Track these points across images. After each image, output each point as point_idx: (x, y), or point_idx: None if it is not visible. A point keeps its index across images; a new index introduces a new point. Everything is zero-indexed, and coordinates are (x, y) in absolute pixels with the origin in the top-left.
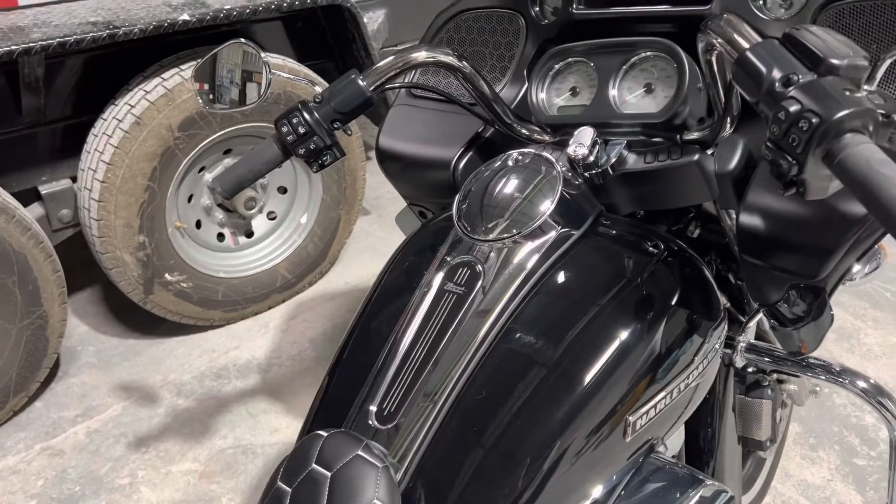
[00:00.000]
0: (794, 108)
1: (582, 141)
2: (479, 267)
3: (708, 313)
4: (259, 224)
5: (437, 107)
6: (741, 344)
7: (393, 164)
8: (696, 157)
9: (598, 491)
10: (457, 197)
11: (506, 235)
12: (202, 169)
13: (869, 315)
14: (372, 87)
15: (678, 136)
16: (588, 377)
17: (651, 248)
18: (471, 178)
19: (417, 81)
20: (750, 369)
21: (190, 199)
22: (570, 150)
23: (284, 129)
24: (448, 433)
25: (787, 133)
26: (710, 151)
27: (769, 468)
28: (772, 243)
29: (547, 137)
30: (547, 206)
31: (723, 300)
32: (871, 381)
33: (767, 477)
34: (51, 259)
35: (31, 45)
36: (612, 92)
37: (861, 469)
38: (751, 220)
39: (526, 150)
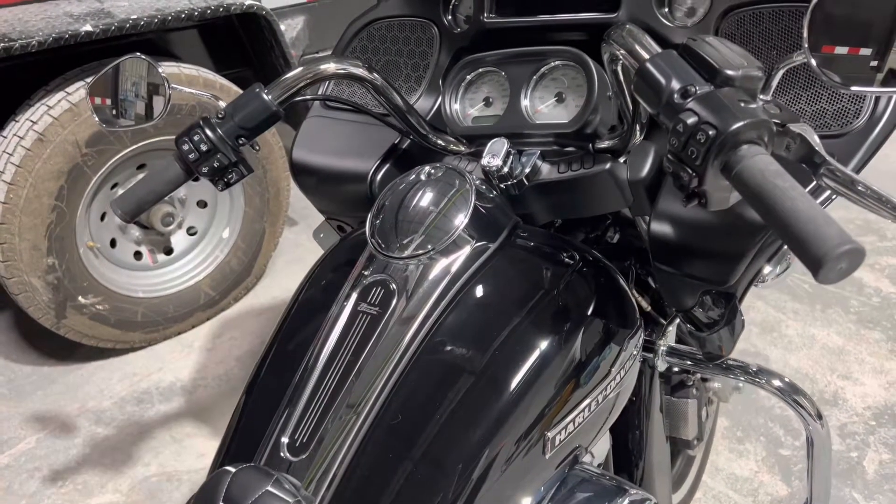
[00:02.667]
0: (691, 120)
1: (494, 152)
2: (394, 286)
3: (623, 322)
4: (178, 240)
5: (353, 118)
6: (662, 348)
7: (307, 177)
8: (608, 165)
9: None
10: (370, 213)
11: (420, 252)
12: (115, 185)
13: (789, 307)
14: (278, 101)
15: (590, 145)
16: (504, 397)
17: (566, 260)
18: (384, 192)
19: (331, 93)
20: (675, 369)
21: (103, 218)
22: (484, 161)
23: (186, 148)
24: (364, 460)
25: (685, 145)
26: (622, 159)
27: (698, 465)
28: (682, 251)
29: (463, 148)
30: (461, 220)
31: (644, 304)
32: (786, 379)
33: (697, 473)
34: None
35: None
36: (525, 102)
37: (786, 459)
38: (661, 228)
39: (439, 163)
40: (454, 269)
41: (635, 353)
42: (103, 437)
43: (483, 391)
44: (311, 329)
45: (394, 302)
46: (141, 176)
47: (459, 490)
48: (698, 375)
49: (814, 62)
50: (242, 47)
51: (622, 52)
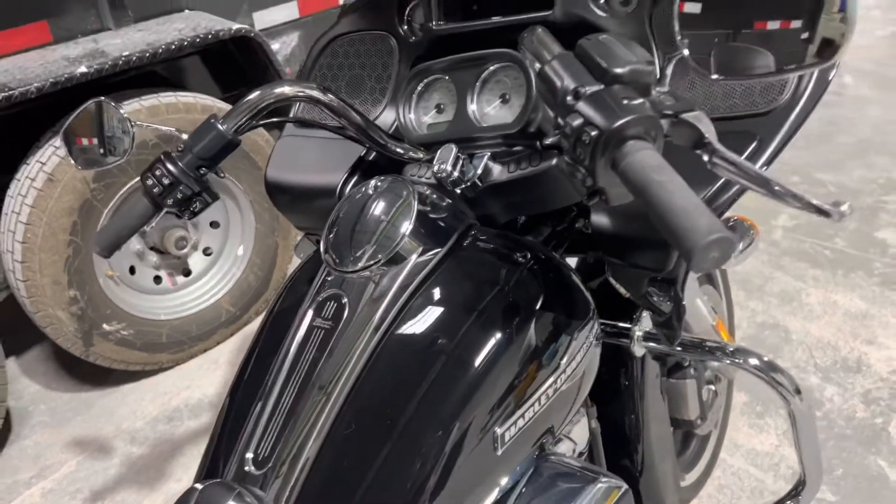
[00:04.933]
0: (576, 122)
1: (443, 159)
2: (345, 299)
3: (572, 315)
4: (196, 262)
5: (324, 134)
6: (637, 334)
7: (281, 196)
8: (555, 161)
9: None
10: (325, 229)
11: (370, 263)
12: None
13: (809, 275)
14: (234, 129)
15: (537, 143)
16: (452, 399)
17: (516, 258)
18: (337, 208)
19: (303, 113)
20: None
21: (119, 247)
22: (435, 168)
23: (150, 182)
24: (322, 469)
25: (574, 146)
26: None
27: (714, 444)
28: (621, 241)
29: (421, 156)
30: (405, 229)
31: (623, 291)
32: (765, 358)
33: (713, 453)
34: None
35: None
36: (472, 107)
37: None
38: (600, 220)
39: (385, 175)
40: (402, 278)
41: (588, 343)
42: (138, 456)
43: (432, 396)
44: (276, 347)
45: (345, 315)
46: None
47: (415, 494)
48: None
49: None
50: (242, 68)
51: (530, 56)
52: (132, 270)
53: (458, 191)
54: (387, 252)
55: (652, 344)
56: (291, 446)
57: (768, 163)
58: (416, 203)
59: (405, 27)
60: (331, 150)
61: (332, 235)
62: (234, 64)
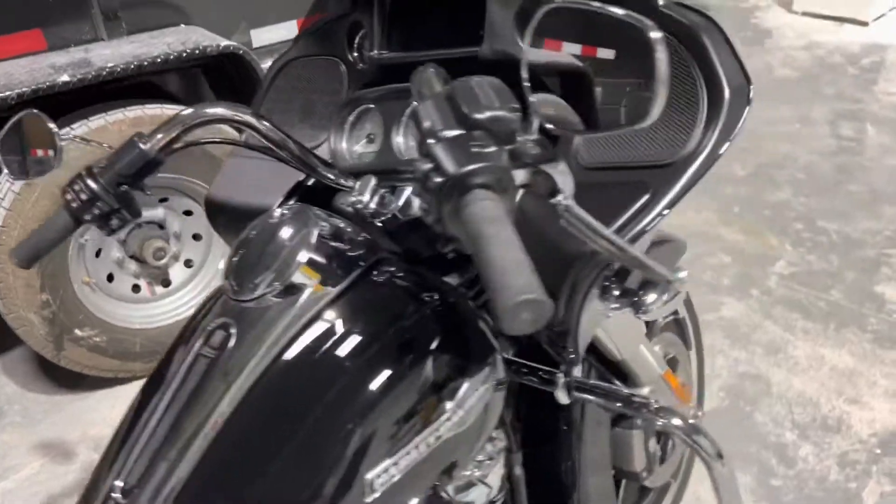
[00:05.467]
0: (425, 166)
1: (362, 190)
2: (233, 329)
3: (468, 361)
4: (176, 273)
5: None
6: (561, 380)
7: (219, 216)
8: None
9: None
10: (228, 255)
11: (266, 291)
12: None
13: (799, 326)
14: (158, 149)
15: None
16: (324, 439)
17: (421, 297)
18: (243, 234)
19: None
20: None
21: (98, 254)
22: (352, 199)
23: (69, 197)
24: (189, 501)
25: (424, 190)
26: None
27: (673, 498)
28: None
29: (351, 184)
30: (302, 258)
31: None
32: (690, 421)
33: None
34: None
35: None
36: (397, 139)
37: (777, 490)
38: None
39: (292, 204)
40: (294, 309)
41: (485, 389)
42: None
43: (303, 435)
44: (167, 375)
45: (230, 345)
46: None
47: None
48: None
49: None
50: (235, 84)
51: (414, 94)
52: (110, 278)
53: (379, 223)
54: (282, 281)
55: (579, 393)
56: (158, 476)
57: (659, 215)
58: (315, 233)
59: (355, 54)
60: (275, 174)
61: (234, 261)
62: (229, 79)
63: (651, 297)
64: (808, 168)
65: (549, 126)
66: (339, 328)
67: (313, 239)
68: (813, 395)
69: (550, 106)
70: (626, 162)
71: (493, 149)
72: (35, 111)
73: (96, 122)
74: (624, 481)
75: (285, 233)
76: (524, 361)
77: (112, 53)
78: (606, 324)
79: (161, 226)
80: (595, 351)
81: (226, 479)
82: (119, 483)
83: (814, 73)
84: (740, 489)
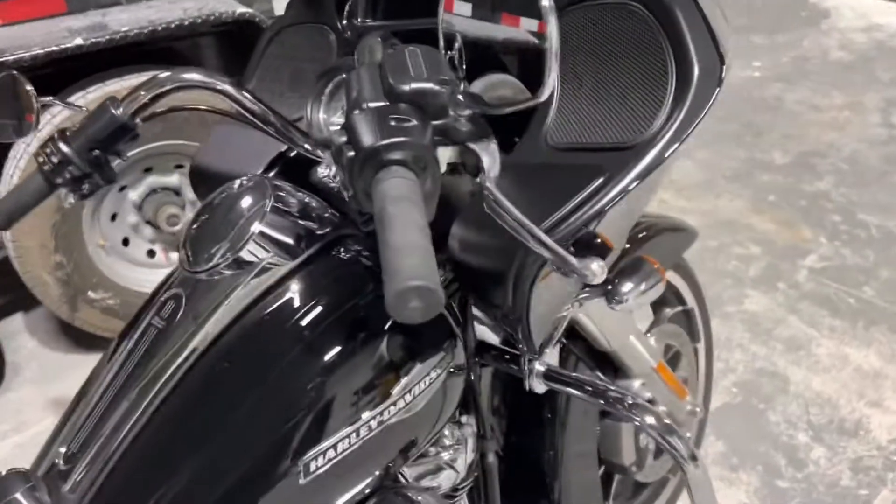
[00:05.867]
0: (341, 139)
1: (329, 163)
2: (184, 299)
3: (421, 345)
4: None
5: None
6: (538, 369)
7: (201, 184)
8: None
9: None
10: (187, 225)
11: (214, 263)
12: (123, 188)
13: (825, 324)
14: (130, 114)
15: None
16: (262, 417)
17: (379, 276)
18: (201, 205)
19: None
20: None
21: (114, 218)
22: (320, 172)
23: (41, 160)
24: (123, 469)
25: (337, 164)
26: None
27: (670, 494)
28: (467, 269)
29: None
30: (255, 228)
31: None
32: (664, 420)
33: (669, 501)
34: None
35: None
36: (319, 114)
37: (782, 492)
38: (451, 244)
39: (252, 175)
40: (242, 284)
41: (437, 375)
42: None
43: (243, 410)
44: (121, 344)
45: (178, 316)
46: (151, 178)
47: None
48: None
49: None
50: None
51: (356, 62)
52: (125, 242)
53: (348, 198)
54: (234, 253)
55: (552, 383)
56: (98, 445)
57: (611, 201)
58: (269, 204)
59: (345, 22)
60: (261, 143)
61: (191, 231)
62: (249, 48)
63: (627, 287)
64: (853, 158)
65: (476, 107)
66: (289, 304)
67: (267, 211)
68: (832, 395)
69: (500, 85)
70: (590, 143)
71: (414, 123)
72: (14, 73)
73: (111, 86)
74: (617, 475)
75: (243, 204)
76: (502, 347)
77: (128, 18)
78: (593, 312)
79: (177, 192)
80: (582, 339)
81: (161, 452)
82: (62, 449)
83: (870, 57)
84: (715, 492)
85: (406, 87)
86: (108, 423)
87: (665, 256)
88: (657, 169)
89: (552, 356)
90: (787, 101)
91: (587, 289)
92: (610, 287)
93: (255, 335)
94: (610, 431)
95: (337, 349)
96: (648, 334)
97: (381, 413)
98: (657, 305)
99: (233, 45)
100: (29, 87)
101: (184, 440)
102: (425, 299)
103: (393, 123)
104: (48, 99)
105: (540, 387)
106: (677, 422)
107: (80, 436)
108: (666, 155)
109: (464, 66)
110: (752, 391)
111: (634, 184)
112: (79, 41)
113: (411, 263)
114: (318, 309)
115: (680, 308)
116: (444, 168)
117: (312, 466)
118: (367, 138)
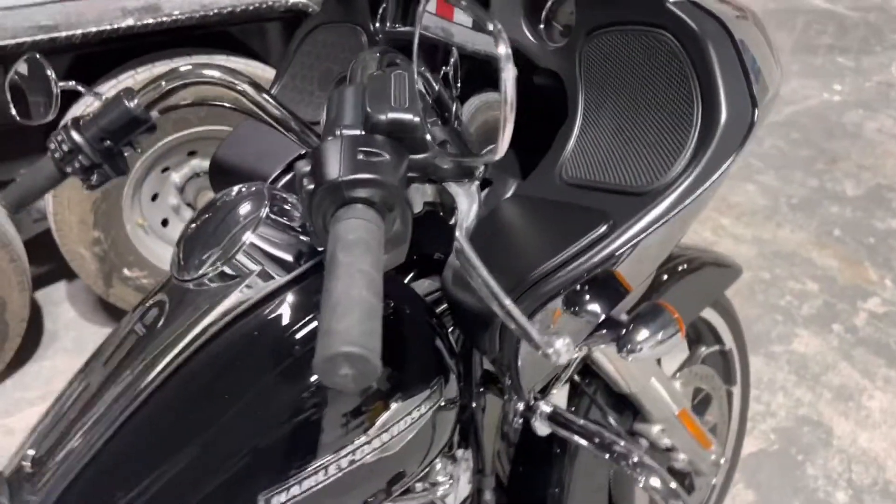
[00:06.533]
0: (304, 168)
1: None
2: (167, 307)
3: (405, 380)
4: None
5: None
6: (543, 409)
7: (219, 179)
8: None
9: None
10: (183, 228)
11: (203, 272)
12: (166, 169)
13: (881, 374)
14: (145, 106)
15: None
16: (223, 448)
17: None
18: (198, 210)
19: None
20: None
21: (154, 198)
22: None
23: (52, 146)
24: (88, 478)
25: (298, 193)
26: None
27: None
28: (459, 310)
29: None
30: (246, 238)
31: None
32: (671, 484)
33: None
34: (8, 248)
35: None
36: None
37: None
38: (445, 281)
39: (254, 182)
40: (226, 298)
41: (419, 414)
42: None
43: (209, 436)
44: (104, 347)
45: (159, 325)
46: (195, 161)
47: None
48: None
49: None
50: None
51: (349, 78)
52: (165, 223)
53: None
54: (224, 261)
55: (556, 426)
56: (65, 451)
57: (612, 255)
58: (264, 213)
59: (378, 24)
60: (283, 143)
61: (185, 236)
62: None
63: (642, 335)
64: None
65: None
66: (269, 325)
67: (261, 220)
68: (879, 454)
69: (497, 104)
70: (604, 183)
71: (385, 158)
72: (37, 55)
73: (158, 68)
74: None
75: (240, 211)
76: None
77: (182, 1)
78: (610, 351)
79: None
80: (600, 379)
81: (122, 467)
82: (31, 452)
83: None
84: None
85: (383, 117)
86: (78, 430)
87: (704, 293)
88: (673, 218)
89: (561, 396)
90: (866, 128)
91: (597, 333)
92: (623, 333)
93: (229, 355)
94: (619, 476)
95: (312, 379)
96: (677, 376)
97: (352, 452)
98: (692, 343)
99: (285, 33)
100: (49, 72)
101: (146, 457)
102: (358, 368)
103: (361, 157)
104: (69, 84)
105: (544, 429)
106: (697, 472)
107: (49, 440)
108: (679, 207)
109: (458, 84)
110: (791, 440)
111: (642, 236)
112: (130, 21)
113: (347, 325)
114: (300, 333)
115: (717, 347)
116: (419, 208)
117: (274, 502)
118: (330, 170)
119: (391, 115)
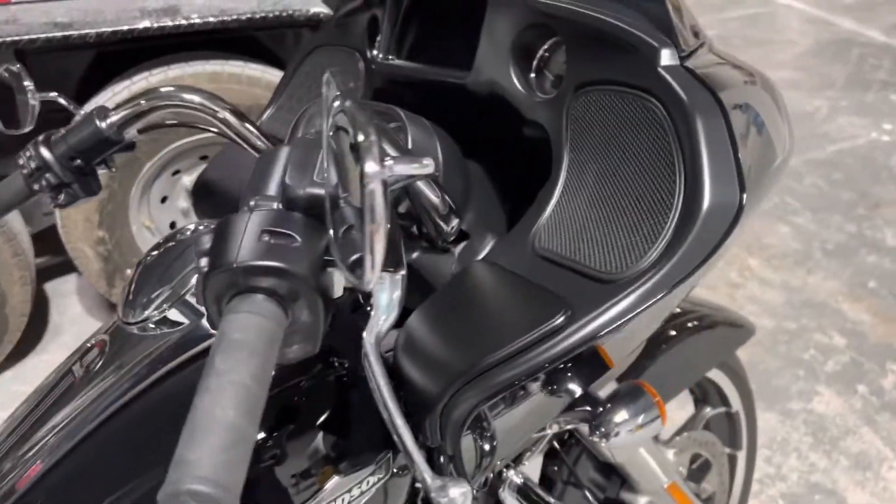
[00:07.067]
0: (203, 244)
1: None
2: (106, 349)
3: (358, 446)
4: None
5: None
6: (513, 480)
7: (202, 203)
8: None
9: None
10: (136, 264)
11: (147, 315)
12: (177, 172)
13: None
14: (116, 126)
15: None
16: None
17: (329, 360)
18: (156, 243)
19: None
20: None
21: (164, 201)
22: None
23: (21, 162)
24: None
25: (195, 269)
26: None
27: None
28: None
29: None
30: (193, 284)
31: None
32: None
33: None
34: (12, 242)
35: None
36: None
37: None
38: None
39: (209, 221)
40: (165, 347)
41: (368, 485)
42: None
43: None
44: (50, 379)
45: (96, 368)
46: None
47: None
48: None
49: None
50: None
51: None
52: (172, 226)
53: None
54: (171, 304)
55: (523, 500)
56: None
57: (570, 350)
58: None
59: (375, 52)
60: None
61: (136, 276)
62: None
63: (620, 416)
64: None
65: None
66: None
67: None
68: None
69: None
70: (574, 262)
71: (296, 244)
72: (15, 65)
73: (174, 71)
74: None
75: (193, 251)
76: None
77: (202, 4)
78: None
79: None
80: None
81: None
82: None
83: None
84: None
85: (301, 192)
86: (10, 463)
87: (713, 352)
88: (643, 313)
89: (534, 467)
90: None
91: (571, 410)
92: (600, 412)
93: (162, 410)
94: None
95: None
96: (675, 441)
97: None
98: (697, 403)
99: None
100: (27, 82)
101: None
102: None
103: (266, 238)
104: (49, 95)
105: (511, 502)
106: None
107: None
108: (648, 303)
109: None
110: None
111: (602, 332)
112: (146, 23)
113: (201, 455)
114: None
115: (723, 409)
116: (339, 293)
117: None
118: (228, 253)
119: (310, 191)
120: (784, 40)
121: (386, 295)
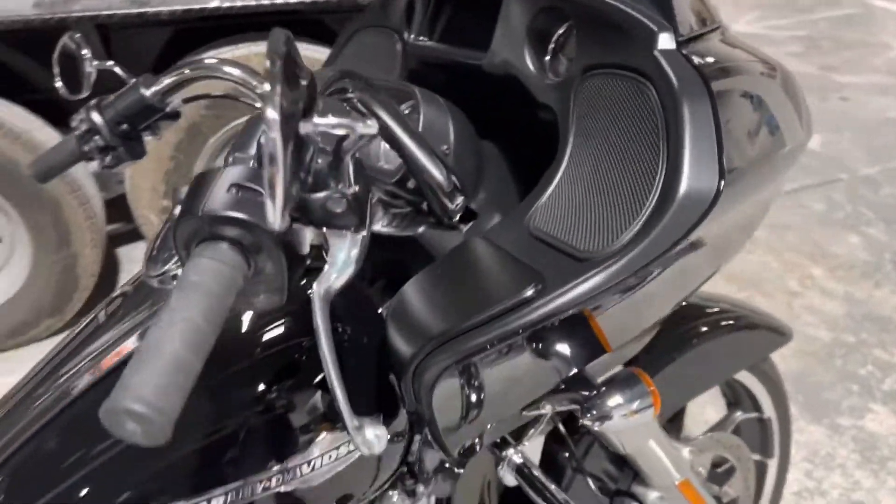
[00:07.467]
0: (181, 193)
1: None
2: (131, 300)
3: (316, 421)
4: None
5: None
6: (513, 458)
7: None
8: (421, 229)
9: None
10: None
11: (163, 270)
12: None
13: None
14: (159, 94)
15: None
16: (132, 463)
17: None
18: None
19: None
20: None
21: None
22: None
23: (73, 124)
24: (13, 472)
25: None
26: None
27: None
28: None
29: None
30: None
31: None
32: None
33: None
34: (86, 206)
35: (72, 14)
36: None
37: None
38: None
39: None
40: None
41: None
42: None
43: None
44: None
45: (117, 317)
46: None
47: None
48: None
49: None
50: None
51: None
52: None
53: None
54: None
55: (521, 477)
56: (8, 437)
57: (538, 321)
58: None
59: (412, 34)
60: None
61: (162, 231)
62: None
63: (614, 401)
64: None
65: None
66: (224, 337)
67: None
68: None
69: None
70: (561, 242)
71: (255, 193)
72: (77, 34)
73: (241, 50)
74: None
75: None
76: None
77: None
78: None
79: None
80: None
81: (53, 454)
82: None
83: None
84: None
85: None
86: (24, 412)
87: (744, 354)
88: (614, 288)
89: (536, 447)
90: None
91: (563, 391)
92: (593, 395)
93: None
94: None
95: (242, 395)
96: (691, 442)
97: (268, 479)
98: (729, 405)
99: None
100: (85, 50)
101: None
102: (145, 427)
103: (234, 192)
104: (106, 63)
105: (510, 479)
106: None
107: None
108: (615, 281)
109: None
110: None
111: (571, 307)
112: (216, 3)
113: (142, 379)
114: (247, 344)
115: (755, 415)
116: (306, 249)
117: None
118: (197, 201)
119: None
120: (878, 43)
121: (344, 253)
